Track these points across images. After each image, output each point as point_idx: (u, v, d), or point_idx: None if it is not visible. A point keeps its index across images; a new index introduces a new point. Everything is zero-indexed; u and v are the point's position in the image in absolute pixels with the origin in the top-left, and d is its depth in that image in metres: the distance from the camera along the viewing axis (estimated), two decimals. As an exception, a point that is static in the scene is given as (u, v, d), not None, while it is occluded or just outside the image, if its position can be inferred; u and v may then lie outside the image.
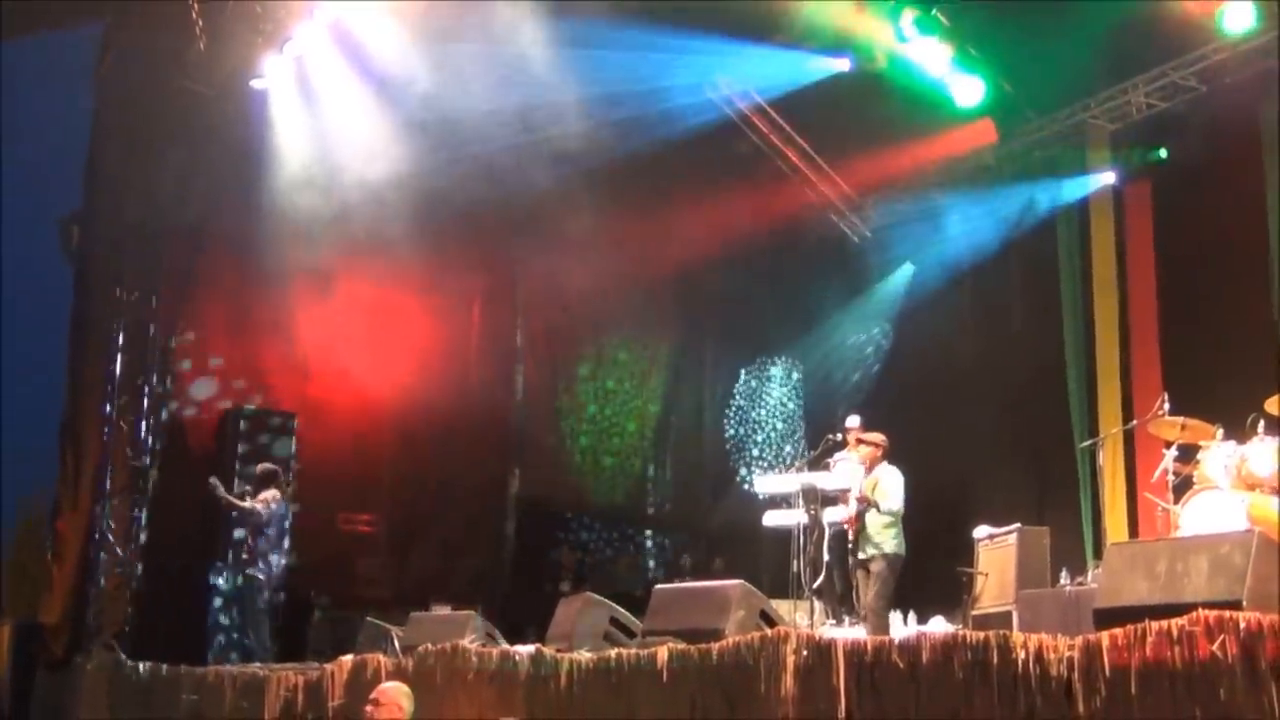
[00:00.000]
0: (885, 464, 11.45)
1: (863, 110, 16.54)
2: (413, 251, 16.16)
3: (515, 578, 18.32)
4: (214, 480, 13.26)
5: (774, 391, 20.60)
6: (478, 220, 16.91)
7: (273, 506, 13.36)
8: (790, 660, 6.83)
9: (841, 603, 12.01)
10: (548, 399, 19.40)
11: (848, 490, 11.56)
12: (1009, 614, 10.29)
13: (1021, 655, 5.90)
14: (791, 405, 20.47)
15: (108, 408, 15.59)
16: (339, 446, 16.96)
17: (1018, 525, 11.21)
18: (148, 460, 15.66)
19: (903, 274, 18.22)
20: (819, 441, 12.14)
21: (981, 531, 11.70)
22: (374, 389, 17.06)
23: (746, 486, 18.67)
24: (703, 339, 20.72)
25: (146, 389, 15.72)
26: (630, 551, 19.44)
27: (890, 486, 11.24)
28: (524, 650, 9.10)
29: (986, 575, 11.24)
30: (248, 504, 13.33)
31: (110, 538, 15.36)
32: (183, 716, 12.11)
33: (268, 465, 13.89)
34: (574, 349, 19.72)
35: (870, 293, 18.73)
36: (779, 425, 20.35)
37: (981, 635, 6.15)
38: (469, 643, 9.71)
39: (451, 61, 14.90)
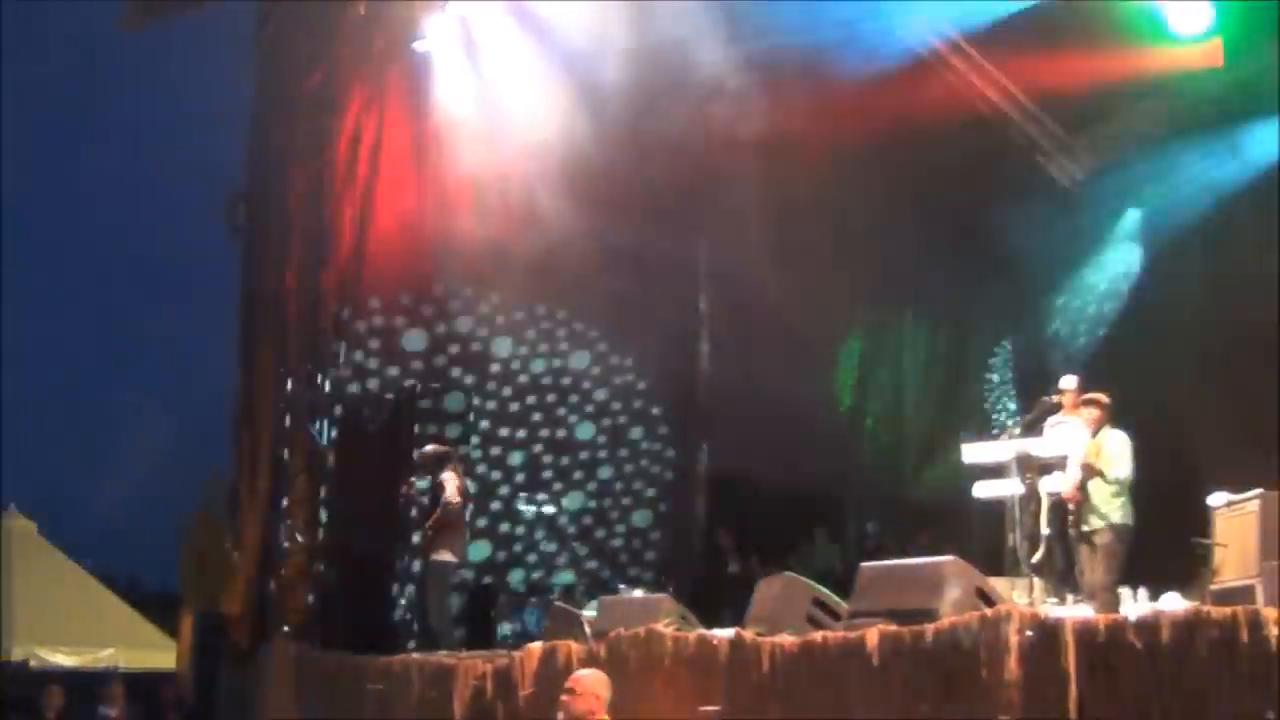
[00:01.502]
0: (1109, 427, 11.18)
1: (1070, 42, 16.08)
2: (586, 222, 16.24)
3: (706, 558, 18.40)
4: (406, 489, 13.50)
5: (979, 353, 20.26)
6: (655, 186, 16.91)
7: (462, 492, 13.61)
8: (1014, 641, 6.71)
9: (1063, 580, 11.78)
10: (735, 371, 19.39)
11: (1066, 457, 11.32)
12: (1251, 589, 9.95)
13: (1276, 632, 5.70)
14: (1000, 366, 20.08)
15: (282, 388, 16.04)
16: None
17: (1260, 491, 10.84)
18: (326, 442, 16.08)
19: (1121, 222, 17.72)
20: (1032, 405, 11.90)
21: (1219, 498, 11.33)
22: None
23: (953, 455, 18.42)
24: (899, 301, 20.46)
25: (322, 368, 16.15)
26: (828, 527, 19.34)
27: (1116, 451, 10.98)
28: (723, 634, 9.11)
29: (1225, 546, 10.90)
30: (448, 492, 13.39)
31: (290, 523, 15.83)
32: (369, 707, 12.41)
33: (438, 447, 14.06)
34: (761, 318, 19.65)
35: (1083, 243, 18.25)
36: (987, 388, 20.01)
37: (1228, 611, 5.96)
38: (664, 627, 9.74)
39: (624, 16, 14.88)
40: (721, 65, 15.46)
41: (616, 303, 17.64)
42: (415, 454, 13.97)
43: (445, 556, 13.23)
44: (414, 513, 13.39)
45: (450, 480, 13.34)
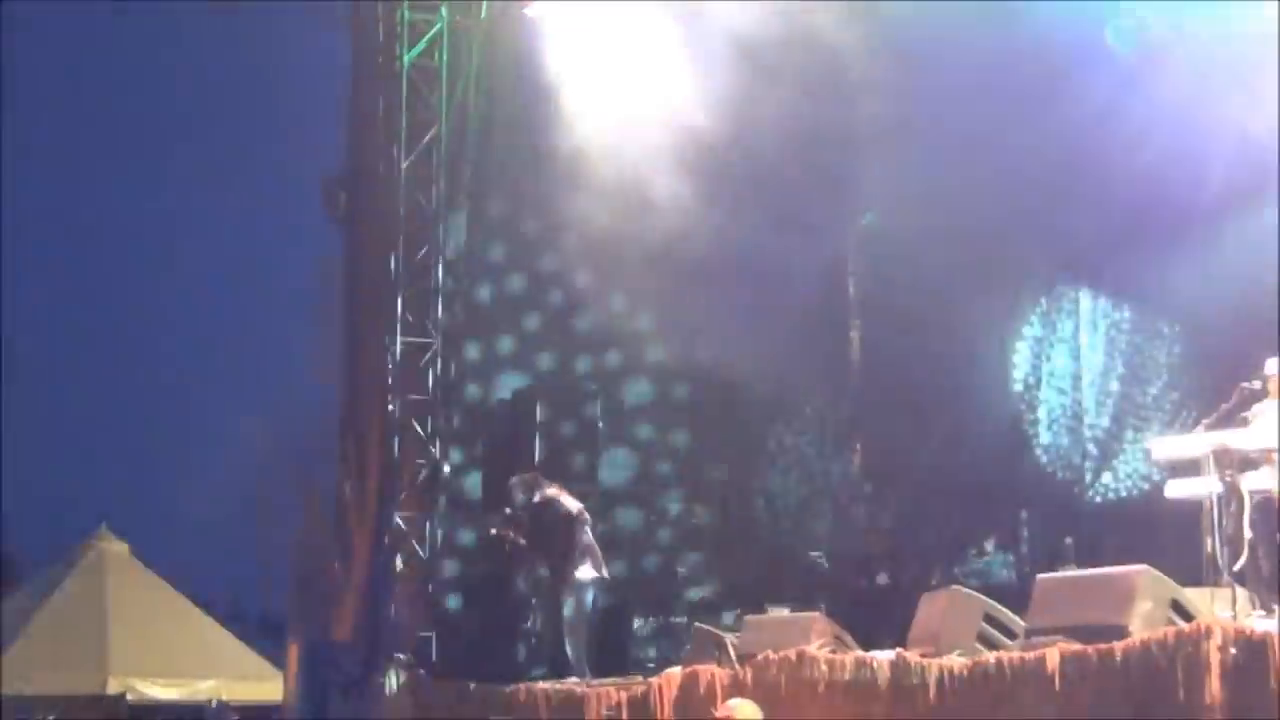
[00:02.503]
0: (1320, 415, 10.94)
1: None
2: (722, 204, 16.26)
3: (861, 570, 18.35)
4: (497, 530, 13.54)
5: (1167, 331, 19.92)
6: (794, 160, 16.86)
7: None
8: (1215, 660, 6.64)
9: (1271, 589, 11.55)
10: (889, 362, 19.29)
11: (1272, 450, 11.09)
12: None
13: None
14: (1191, 347, 19.71)
15: (391, 394, 16.25)
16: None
17: None
18: (439, 451, 16.26)
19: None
20: (1231, 391, 11.67)
21: None
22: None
23: (1141, 451, 18.15)
24: (1076, 274, 20.19)
25: (433, 369, 16.34)
26: (998, 534, 19.15)
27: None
28: (883, 656, 9.08)
29: None
30: (568, 506, 13.29)
31: (403, 542, 16.03)
32: (494, 740, 12.55)
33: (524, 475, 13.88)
34: (919, 302, 19.53)
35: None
36: (1176, 373, 19.66)
37: None
38: (817, 648, 9.74)
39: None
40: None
41: (757, 292, 17.61)
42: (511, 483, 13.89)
43: (587, 574, 13.06)
44: (521, 540, 13.37)
45: (563, 494, 13.34)
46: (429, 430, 16.34)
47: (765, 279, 17.52)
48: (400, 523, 16.04)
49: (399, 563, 16.00)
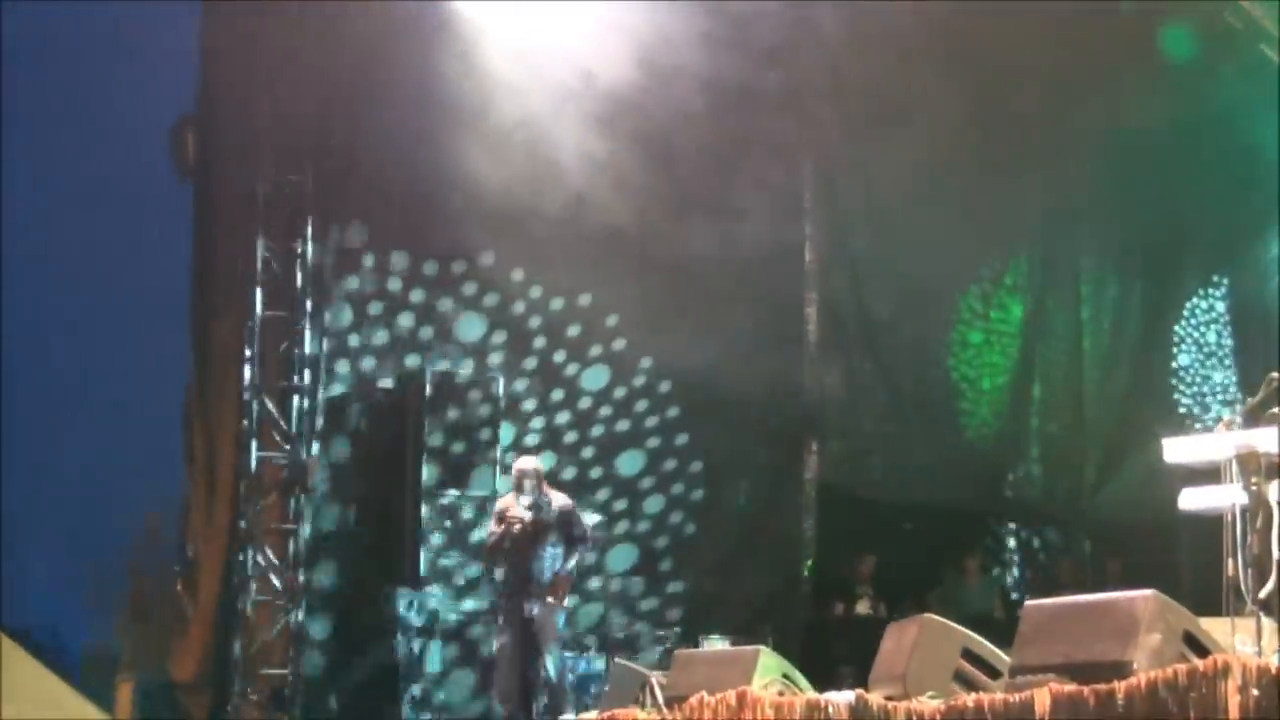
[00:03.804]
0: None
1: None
2: (665, 167, 16.38)
3: (817, 595, 18.42)
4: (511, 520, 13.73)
5: (1187, 322, 20.13)
6: (749, 113, 17.00)
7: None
8: (1234, 702, 6.70)
9: (1304, 618, 11.69)
10: (853, 348, 19.37)
11: (1307, 453, 11.22)
12: None
13: None
14: (1214, 339, 19.97)
15: (247, 375, 16.15)
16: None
17: None
18: (308, 448, 16.18)
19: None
20: (1258, 386, 11.79)
21: None
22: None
23: (1151, 454, 18.31)
24: (1077, 255, 20.36)
25: (299, 349, 16.25)
26: (980, 553, 19.31)
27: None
28: (840, 699, 9.12)
29: None
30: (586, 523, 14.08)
31: (260, 559, 15.94)
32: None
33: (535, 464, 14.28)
34: (884, 280, 19.64)
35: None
36: (1196, 367, 19.89)
37: None
38: (761, 689, 9.76)
39: None
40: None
41: (694, 277, 17.72)
42: (516, 467, 14.09)
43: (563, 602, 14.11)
44: (506, 544, 13.70)
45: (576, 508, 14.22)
46: (294, 424, 16.23)
47: (700, 264, 17.70)
48: (256, 533, 15.91)
49: (254, 586, 15.89)
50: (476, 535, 16.30)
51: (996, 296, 20.12)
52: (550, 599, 13.72)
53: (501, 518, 13.79)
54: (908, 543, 19.33)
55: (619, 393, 17.98)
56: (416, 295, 17.12)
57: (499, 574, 14.15)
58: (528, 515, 13.68)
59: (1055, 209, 19.68)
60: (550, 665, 13.58)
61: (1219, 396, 19.54)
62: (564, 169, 16.17)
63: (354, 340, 16.85)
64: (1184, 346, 20.15)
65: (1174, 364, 20.16)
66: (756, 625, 17.60)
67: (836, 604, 18.31)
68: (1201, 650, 7.96)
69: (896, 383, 19.55)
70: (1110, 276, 20.40)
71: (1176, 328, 20.25)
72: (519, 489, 13.82)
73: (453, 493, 16.26)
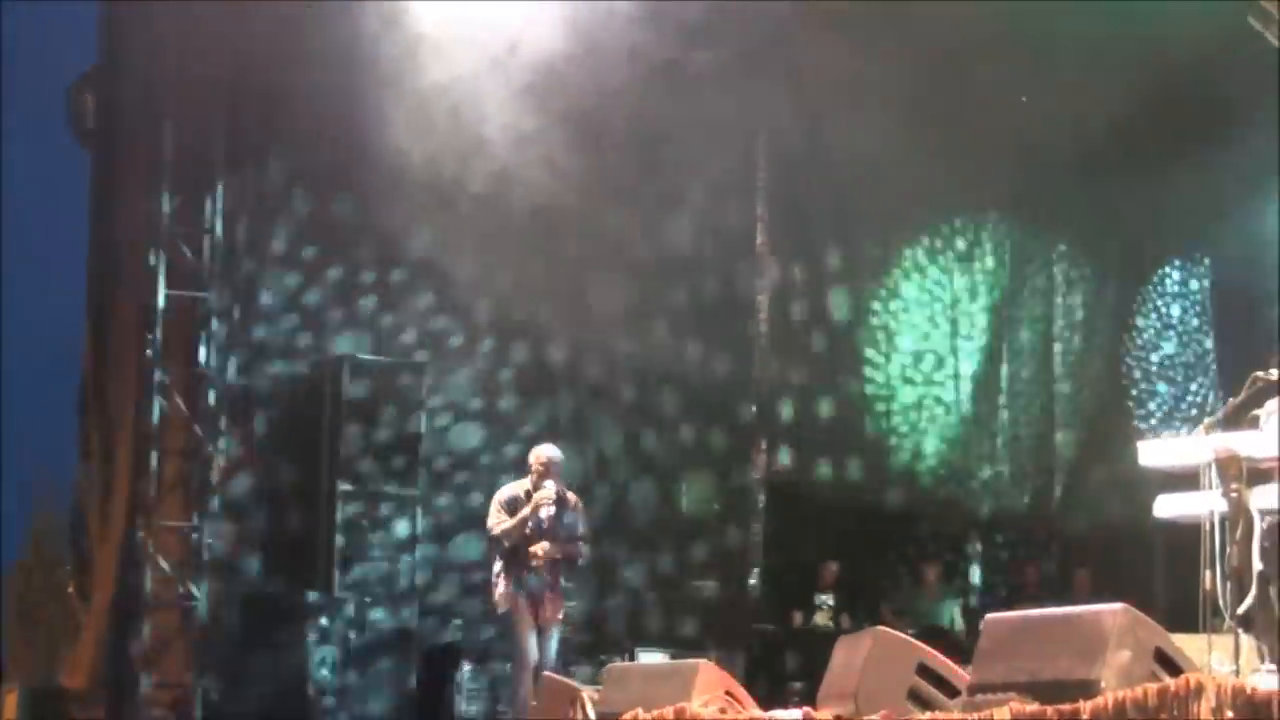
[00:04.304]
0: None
1: None
2: (589, 133, 16.38)
3: (768, 602, 18.44)
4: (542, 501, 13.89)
5: (1166, 312, 20.20)
6: (689, 91, 17.01)
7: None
8: (1208, 726, 6.70)
9: (1285, 637, 11.74)
10: (801, 331, 19.40)
11: (1292, 459, 11.26)
12: None
13: None
14: (1194, 330, 20.03)
15: (149, 356, 16.04)
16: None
17: None
18: (214, 440, 16.10)
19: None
20: (1241, 384, 11.84)
21: None
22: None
23: (1125, 458, 18.37)
24: (1051, 238, 20.42)
25: (206, 331, 16.15)
26: (940, 561, 19.37)
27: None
28: (786, 717, 9.10)
29: None
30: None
31: (162, 561, 15.85)
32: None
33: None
34: (848, 257, 19.68)
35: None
36: (1174, 362, 19.95)
37: None
38: (700, 706, 9.75)
39: None
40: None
41: (634, 263, 17.74)
42: (534, 454, 14.29)
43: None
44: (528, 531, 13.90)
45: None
46: (199, 411, 16.15)
47: (637, 248, 17.74)
48: (155, 531, 15.82)
49: (153, 589, 15.80)
50: (400, 533, 16.27)
51: (959, 280, 20.19)
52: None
53: (513, 506, 14.00)
54: (861, 549, 19.36)
55: (546, 385, 17.92)
56: (334, 274, 17.03)
57: (496, 567, 14.07)
58: (553, 507, 14.00)
59: (1024, 190, 19.73)
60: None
61: (1197, 395, 19.60)
62: (489, 142, 16.14)
63: (266, 323, 16.75)
64: (1165, 336, 20.20)
65: (1152, 358, 20.21)
66: (699, 637, 17.63)
67: (794, 615, 18.32)
68: (1174, 669, 7.96)
69: (854, 376, 19.61)
70: (1083, 261, 20.47)
71: (1154, 317, 20.30)
72: (542, 477, 14.06)
73: (373, 488, 16.20)
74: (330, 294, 16.99)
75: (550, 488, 13.93)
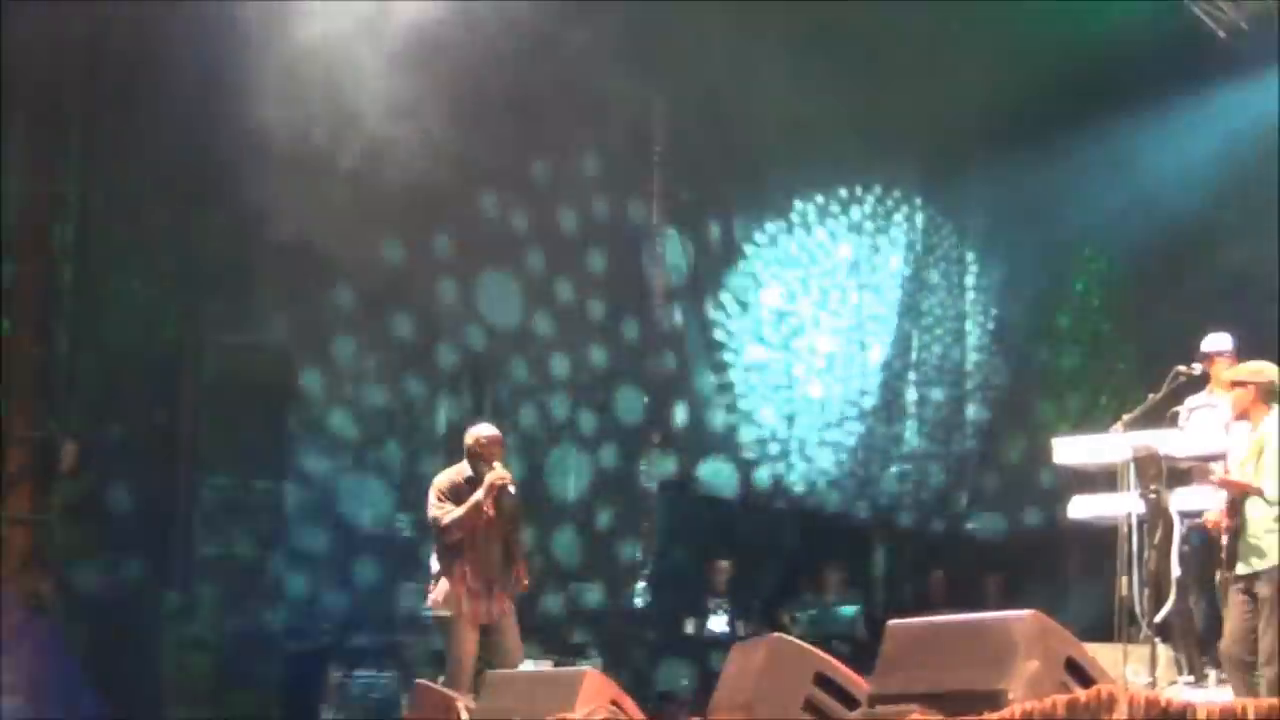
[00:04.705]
0: (1275, 413, 11.21)
1: None
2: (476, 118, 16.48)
3: (659, 606, 18.46)
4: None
5: (1074, 288, 20.35)
6: (576, 60, 17.05)
7: None
8: (1121, 740, 6.76)
9: (1204, 648, 11.85)
10: (698, 315, 19.45)
11: (1214, 460, 11.36)
12: None
13: None
14: (1101, 307, 20.15)
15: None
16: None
17: None
18: (64, 427, 16.00)
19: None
20: (1162, 377, 11.93)
21: None
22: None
23: (1039, 456, 18.49)
24: (958, 208, 20.53)
25: (57, 306, 16.08)
26: (843, 566, 19.43)
27: (1288, 450, 11.01)
28: (675, 729, 9.14)
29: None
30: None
31: (7, 557, 15.75)
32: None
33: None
34: (749, 234, 19.74)
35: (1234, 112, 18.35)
36: (1086, 346, 20.07)
37: None
38: (584, 716, 9.74)
39: None
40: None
41: (514, 242, 17.76)
42: (474, 436, 13.50)
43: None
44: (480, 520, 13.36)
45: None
46: (48, 399, 16.06)
47: (520, 227, 17.79)
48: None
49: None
50: (265, 527, 16.22)
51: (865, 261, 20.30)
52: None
53: (456, 494, 13.20)
54: (760, 550, 19.42)
55: (426, 372, 17.88)
56: (195, 251, 16.91)
57: (434, 564, 13.30)
58: (513, 488, 13.33)
59: (934, 166, 19.83)
60: None
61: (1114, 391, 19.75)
62: (361, 114, 16.09)
63: (121, 301, 16.62)
64: (1083, 322, 20.33)
65: (1066, 352, 20.36)
66: (584, 643, 17.62)
67: (685, 620, 18.33)
68: (1085, 679, 8.03)
69: (754, 364, 19.66)
70: (999, 238, 20.62)
71: (1073, 302, 20.46)
72: (485, 459, 13.27)
73: (237, 479, 16.16)
74: (190, 274, 16.85)
75: (502, 469, 13.19)
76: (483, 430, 13.52)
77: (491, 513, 13.08)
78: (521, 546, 13.61)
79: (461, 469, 13.35)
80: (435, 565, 13.35)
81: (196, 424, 16.15)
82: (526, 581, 13.49)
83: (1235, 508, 11.07)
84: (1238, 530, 11.06)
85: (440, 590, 13.16)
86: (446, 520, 13.11)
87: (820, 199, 20.24)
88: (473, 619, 13.05)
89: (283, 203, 16.38)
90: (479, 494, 13.02)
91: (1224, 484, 11.05)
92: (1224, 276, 18.05)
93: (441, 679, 12.83)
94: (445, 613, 13.06)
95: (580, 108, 17.58)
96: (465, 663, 13.01)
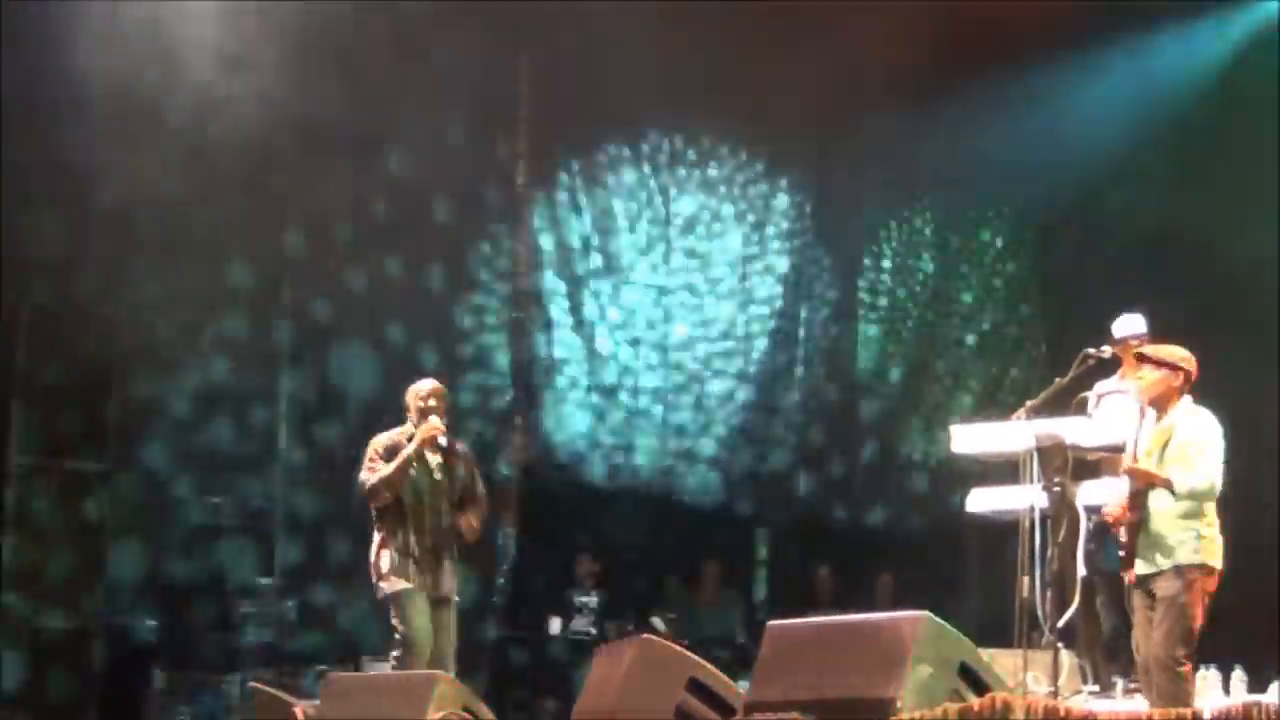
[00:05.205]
0: (1187, 403, 11.30)
1: None
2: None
3: (520, 605, 18.47)
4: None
5: (979, 257, 20.50)
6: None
7: None
8: (1015, 751, 6.82)
9: (1111, 654, 11.96)
10: (568, 284, 19.48)
11: (1122, 450, 11.44)
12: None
13: None
14: (1005, 282, 20.31)
15: None
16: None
17: None
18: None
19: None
20: (1070, 358, 12.01)
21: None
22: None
23: (935, 443, 18.62)
24: (848, 175, 20.63)
25: None
26: (722, 559, 19.49)
27: (1196, 444, 11.05)
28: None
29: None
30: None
31: None
32: None
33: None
34: (624, 197, 19.78)
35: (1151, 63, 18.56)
36: (983, 322, 20.22)
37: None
38: (434, 724, 9.76)
39: None
40: None
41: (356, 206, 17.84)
42: (414, 391, 13.06)
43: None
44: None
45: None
46: None
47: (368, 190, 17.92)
48: None
49: None
50: (89, 515, 16.14)
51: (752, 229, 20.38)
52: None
53: (395, 455, 12.70)
54: (630, 545, 19.45)
55: (260, 346, 17.84)
56: (9, 215, 16.80)
57: (376, 538, 12.71)
58: (445, 439, 12.83)
59: (828, 125, 19.89)
60: None
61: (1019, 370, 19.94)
62: (190, 65, 16.10)
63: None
64: (987, 300, 20.48)
65: (971, 330, 20.50)
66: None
67: (549, 619, 18.33)
68: (981, 686, 8.08)
69: (631, 336, 19.69)
70: (879, 204, 20.74)
71: (972, 275, 20.61)
72: (427, 415, 12.82)
73: (52, 463, 16.07)
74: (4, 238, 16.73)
75: (438, 420, 12.72)
76: (422, 385, 13.09)
77: (438, 474, 12.75)
78: (477, 508, 13.02)
79: (405, 429, 12.92)
80: (375, 538, 12.84)
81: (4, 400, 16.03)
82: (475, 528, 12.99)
83: (1138, 500, 11.09)
84: (1139, 525, 11.11)
85: (385, 561, 12.69)
86: (374, 480, 12.69)
87: (698, 162, 20.24)
88: (423, 595, 12.61)
89: (107, 155, 16.34)
90: (408, 449, 12.61)
91: (1131, 472, 10.97)
92: (1137, 245, 18.26)
93: (393, 661, 12.58)
94: (402, 585, 12.54)
95: (434, 65, 17.56)
96: (422, 641, 12.52)
